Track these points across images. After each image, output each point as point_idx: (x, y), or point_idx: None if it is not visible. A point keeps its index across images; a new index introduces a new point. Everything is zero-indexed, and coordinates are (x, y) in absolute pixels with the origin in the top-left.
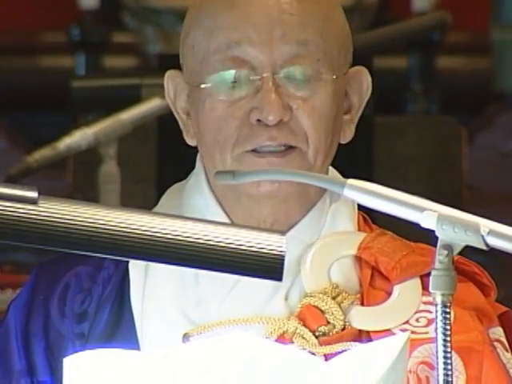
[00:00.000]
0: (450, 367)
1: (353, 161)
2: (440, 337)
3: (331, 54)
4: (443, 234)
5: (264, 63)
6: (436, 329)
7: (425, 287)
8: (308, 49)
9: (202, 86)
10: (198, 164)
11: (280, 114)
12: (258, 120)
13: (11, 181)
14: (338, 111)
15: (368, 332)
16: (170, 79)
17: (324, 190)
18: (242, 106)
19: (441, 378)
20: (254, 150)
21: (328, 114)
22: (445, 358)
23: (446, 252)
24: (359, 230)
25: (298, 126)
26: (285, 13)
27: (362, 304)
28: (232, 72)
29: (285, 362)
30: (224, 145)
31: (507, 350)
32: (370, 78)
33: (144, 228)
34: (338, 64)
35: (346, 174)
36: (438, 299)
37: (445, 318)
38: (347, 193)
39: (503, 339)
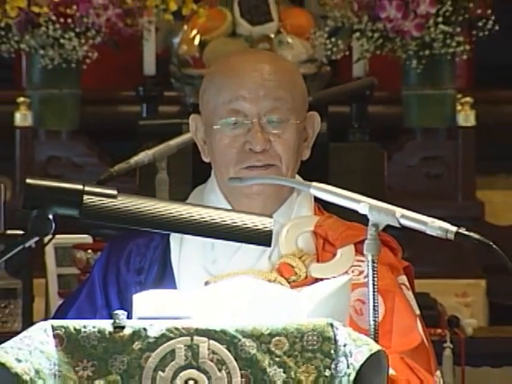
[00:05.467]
0: (376, 302)
1: (315, 172)
2: (370, 282)
3: (296, 105)
4: (372, 217)
5: (253, 112)
6: (367, 277)
7: (357, 251)
8: (281, 102)
9: (214, 127)
10: (212, 174)
11: (263, 145)
12: (250, 149)
13: (100, 184)
14: (300, 141)
15: (322, 279)
16: (193, 120)
17: (293, 190)
18: (239, 140)
19: (371, 308)
20: (247, 167)
21: (293, 144)
22: (373, 295)
23: (374, 228)
24: (315, 214)
25: (274, 152)
26: (266, 79)
27: (318, 261)
28: (233, 119)
29: (269, 290)
30: (228, 164)
31: (409, 290)
32: (319, 118)
33: (184, 213)
34: (301, 111)
35: (312, 180)
36: (369, 258)
37: (373, 270)
38: (312, 191)
39: (406, 283)
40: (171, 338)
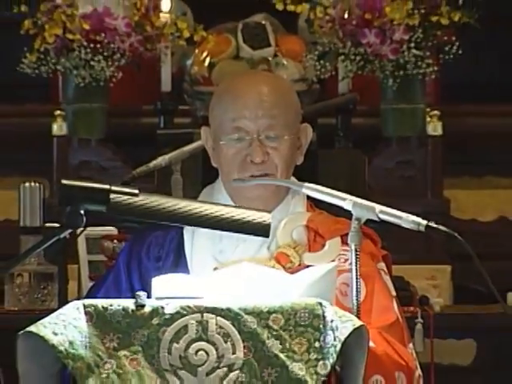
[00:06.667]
0: (359, 285)
1: (307, 174)
2: (354, 268)
3: (290, 121)
4: (356, 212)
5: (253, 130)
6: (351, 264)
7: (343, 242)
8: (277, 120)
9: (221, 142)
10: (219, 177)
11: (262, 157)
12: (251, 160)
13: (124, 184)
14: (294, 151)
15: (312, 266)
16: (204, 131)
17: (288, 191)
18: (241, 152)
19: (354, 290)
20: (249, 177)
21: (288, 155)
22: (356, 280)
23: (357, 222)
24: (308, 211)
25: (271, 163)
26: (264, 101)
27: (309, 251)
28: (236, 135)
29: (268, 275)
30: (232, 173)
31: (387, 274)
32: (311, 129)
33: (196, 209)
34: (294, 125)
35: (304, 181)
36: (353, 247)
37: (356, 258)
38: (304, 190)
39: (385, 269)
40: (184, 315)
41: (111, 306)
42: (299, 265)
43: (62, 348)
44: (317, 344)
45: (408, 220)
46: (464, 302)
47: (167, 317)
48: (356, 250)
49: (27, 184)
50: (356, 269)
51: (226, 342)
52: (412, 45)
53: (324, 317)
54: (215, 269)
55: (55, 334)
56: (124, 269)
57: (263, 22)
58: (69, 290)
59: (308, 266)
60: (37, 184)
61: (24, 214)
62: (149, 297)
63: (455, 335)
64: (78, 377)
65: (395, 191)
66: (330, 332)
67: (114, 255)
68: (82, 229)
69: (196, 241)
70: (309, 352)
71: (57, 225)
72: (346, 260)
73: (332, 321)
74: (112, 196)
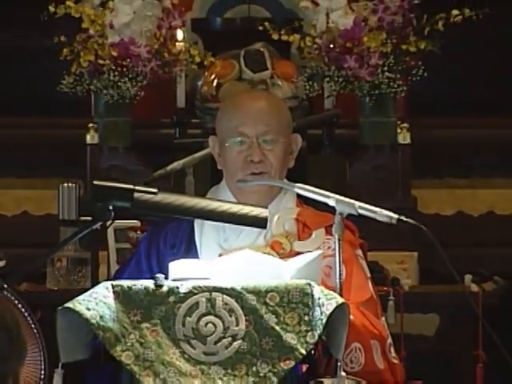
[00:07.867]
0: (341, 268)
1: (298, 176)
2: (337, 254)
3: (283, 129)
4: (338, 208)
5: (252, 134)
6: (334, 250)
7: (327, 232)
8: (272, 127)
9: (226, 144)
10: (224, 178)
11: (260, 157)
12: (251, 160)
13: (146, 184)
14: (287, 154)
15: (302, 252)
16: (211, 140)
17: (281, 190)
18: (243, 153)
19: (337, 272)
20: (249, 175)
21: (282, 156)
22: (339, 263)
23: (340, 216)
24: (297, 206)
25: (268, 163)
26: (261, 112)
27: (299, 239)
28: (238, 138)
29: (265, 260)
30: (236, 172)
31: (363, 259)
32: (300, 139)
33: (205, 205)
34: (287, 132)
35: (296, 181)
36: (336, 237)
37: (339, 245)
38: (296, 190)
39: (361, 255)
40: (196, 294)
41: (135, 285)
42: (290, 251)
43: (94, 321)
44: (306, 318)
45: (382, 214)
46: (429, 283)
47: (181, 295)
48: (339, 240)
49: (65, 184)
50: (339, 255)
51: (230, 316)
52: (385, 68)
53: (312, 295)
54: (220, 255)
55: (88, 309)
56: (144, 255)
57: (262, 50)
58: (100, 272)
59: (298, 252)
60: (73, 184)
61: (62, 209)
62: (166, 278)
63: (421, 310)
64: (108, 345)
65: (371, 190)
66: (318, 308)
67: (137, 243)
68: (110, 221)
69: (204, 231)
70: (300, 324)
71: (90, 218)
72: (329, 247)
73: (319, 298)
74: (135, 194)
